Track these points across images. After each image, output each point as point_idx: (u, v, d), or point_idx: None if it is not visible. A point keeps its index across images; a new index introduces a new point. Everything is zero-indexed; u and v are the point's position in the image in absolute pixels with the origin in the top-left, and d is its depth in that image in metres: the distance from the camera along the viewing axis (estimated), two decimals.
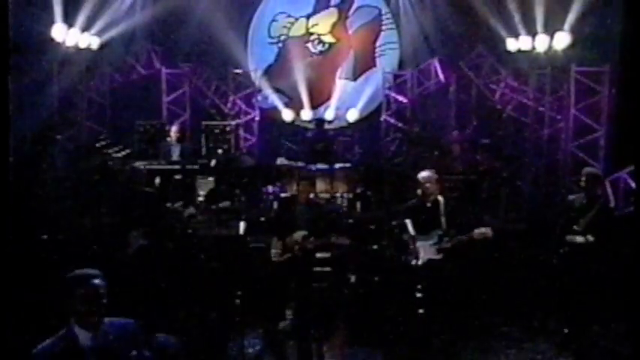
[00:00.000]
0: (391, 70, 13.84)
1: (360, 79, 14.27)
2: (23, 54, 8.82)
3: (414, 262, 6.94)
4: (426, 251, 6.88)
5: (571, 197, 7.14)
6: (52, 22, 10.39)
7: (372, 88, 14.00)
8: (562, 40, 10.89)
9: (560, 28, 10.82)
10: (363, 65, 14.27)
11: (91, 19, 11.14)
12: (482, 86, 12.48)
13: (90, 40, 11.37)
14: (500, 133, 11.83)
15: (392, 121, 13.06)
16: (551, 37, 11.05)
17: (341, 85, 14.20)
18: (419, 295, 7.28)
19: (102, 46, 11.65)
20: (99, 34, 11.48)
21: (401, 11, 13.96)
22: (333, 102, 14.03)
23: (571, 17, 10.67)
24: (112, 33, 11.72)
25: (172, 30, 12.90)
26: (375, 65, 14.22)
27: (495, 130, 11.84)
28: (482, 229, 6.86)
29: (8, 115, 5.79)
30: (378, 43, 14.26)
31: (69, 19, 10.69)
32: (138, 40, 12.67)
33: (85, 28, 11.16)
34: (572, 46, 10.79)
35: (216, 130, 11.87)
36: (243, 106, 12.92)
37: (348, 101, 14.05)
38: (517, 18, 11.77)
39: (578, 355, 6.66)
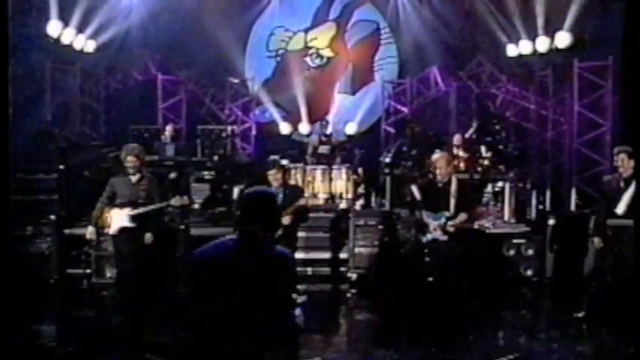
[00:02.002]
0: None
1: (359, 93, 14.12)
2: (17, 54, 8.64)
3: (423, 238, 7.04)
4: (433, 229, 6.94)
5: (605, 178, 6.93)
6: (46, 20, 10.28)
7: (370, 101, 13.84)
8: (563, 39, 10.78)
9: (560, 28, 10.73)
10: (362, 79, 14.15)
11: (86, 21, 11.04)
12: (483, 93, 12.30)
13: (85, 43, 11.24)
14: (503, 136, 11.57)
15: (391, 130, 12.83)
16: (552, 37, 10.97)
17: (339, 99, 14.05)
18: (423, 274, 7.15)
19: (97, 50, 11.51)
20: (94, 37, 11.37)
21: (400, 25, 13.88)
22: (332, 116, 13.84)
23: (571, 16, 10.59)
24: (107, 36, 11.59)
25: (169, 37, 12.76)
26: (373, 80, 14.09)
27: (498, 134, 11.57)
28: (486, 223, 7.18)
29: (8, 116, 5.58)
30: (376, 57, 14.17)
31: (64, 19, 10.59)
32: (134, 46, 12.54)
33: (80, 30, 11.05)
34: (573, 45, 10.67)
35: (212, 136, 11.64)
36: (240, 114, 12.73)
37: (346, 115, 13.83)
38: (516, 23, 11.73)
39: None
